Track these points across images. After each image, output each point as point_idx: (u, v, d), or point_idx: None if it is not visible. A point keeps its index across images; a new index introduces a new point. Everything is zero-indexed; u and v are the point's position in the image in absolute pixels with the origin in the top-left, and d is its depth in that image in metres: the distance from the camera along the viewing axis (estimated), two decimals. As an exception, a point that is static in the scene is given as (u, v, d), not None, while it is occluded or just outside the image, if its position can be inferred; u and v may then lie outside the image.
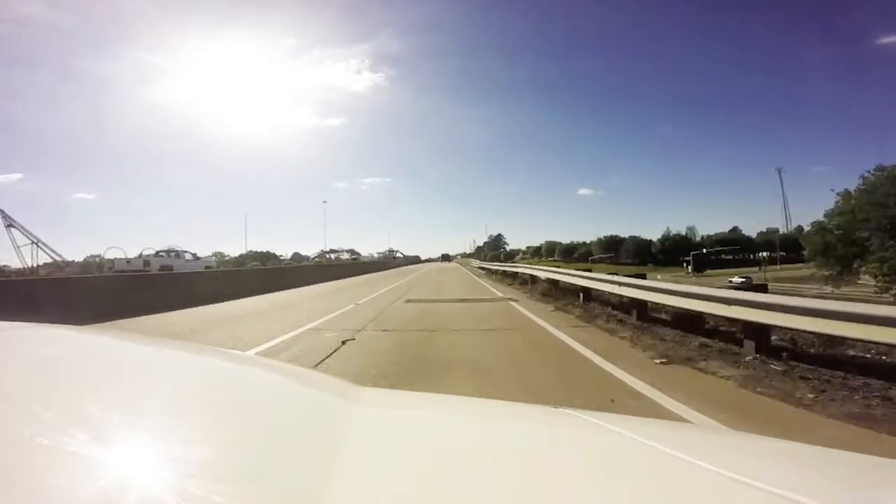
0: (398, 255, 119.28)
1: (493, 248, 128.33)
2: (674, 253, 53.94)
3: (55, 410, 0.49)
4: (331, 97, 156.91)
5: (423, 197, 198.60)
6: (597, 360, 4.51)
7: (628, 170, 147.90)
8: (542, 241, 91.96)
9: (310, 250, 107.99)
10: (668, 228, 58.10)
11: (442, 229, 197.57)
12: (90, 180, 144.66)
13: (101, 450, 0.43)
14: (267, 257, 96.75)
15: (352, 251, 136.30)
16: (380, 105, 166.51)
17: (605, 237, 63.11)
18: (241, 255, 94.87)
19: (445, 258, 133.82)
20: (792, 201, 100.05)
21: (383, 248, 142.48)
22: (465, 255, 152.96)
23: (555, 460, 0.56)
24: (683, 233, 56.40)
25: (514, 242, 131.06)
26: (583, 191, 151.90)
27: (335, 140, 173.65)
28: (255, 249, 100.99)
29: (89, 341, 0.94)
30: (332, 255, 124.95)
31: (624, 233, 69.70)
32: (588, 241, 75.22)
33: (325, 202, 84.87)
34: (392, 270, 35.35)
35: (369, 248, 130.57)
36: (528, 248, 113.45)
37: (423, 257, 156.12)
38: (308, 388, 0.85)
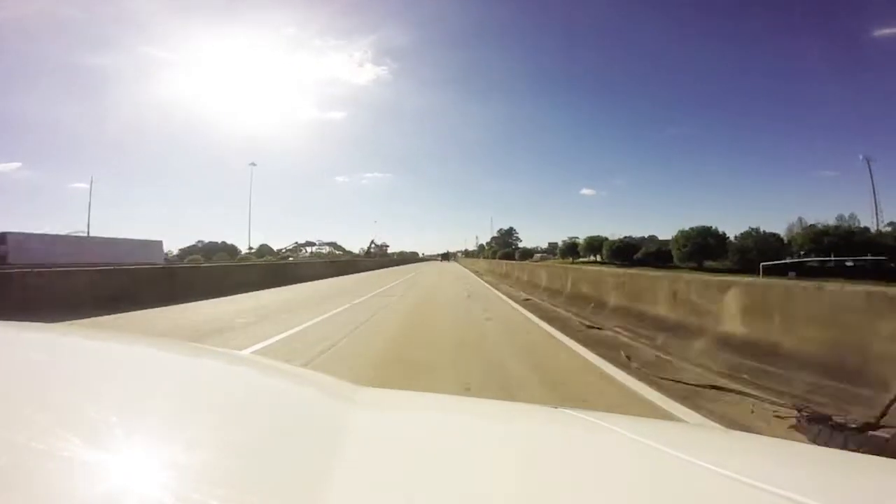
0: (373, 249, 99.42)
1: (503, 245, 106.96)
2: (821, 253, 32.37)
3: (49, 414, 0.48)
4: (332, 90, 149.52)
5: (423, 193, 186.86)
6: None
7: (632, 171, 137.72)
8: (564, 237, 72.04)
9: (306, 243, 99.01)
10: (800, 219, 36.57)
11: (442, 226, 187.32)
12: (89, 170, 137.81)
13: (97, 454, 0.42)
14: (215, 250, 76.60)
15: (333, 244, 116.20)
16: (382, 99, 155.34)
17: (693, 229, 41.40)
18: (188, 248, 78.34)
19: (445, 257, 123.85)
20: (804, 206, 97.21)
21: (377, 242, 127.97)
22: (466, 254, 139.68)
23: (554, 460, 0.56)
24: (830, 223, 34.13)
25: (523, 239, 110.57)
26: (585, 191, 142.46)
27: (336, 134, 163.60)
28: (213, 241, 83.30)
29: (84, 342, 0.94)
30: (310, 249, 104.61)
31: (632, 233, 56.52)
32: (639, 237, 53.92)
33: (253, 164, 61.10)
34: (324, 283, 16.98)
35: (365, 243, 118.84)
36: (550, 244, 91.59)
37: (420, 254, 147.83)
38: (306, 389, 0.85)
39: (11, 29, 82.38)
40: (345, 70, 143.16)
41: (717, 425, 2.32)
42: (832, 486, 0.51)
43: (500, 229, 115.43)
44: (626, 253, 50.16)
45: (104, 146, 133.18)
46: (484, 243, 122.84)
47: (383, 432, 0.63)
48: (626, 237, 54.34)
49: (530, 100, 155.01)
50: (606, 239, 57.33)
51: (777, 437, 1.97)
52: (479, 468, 0.50)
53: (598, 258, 55.74)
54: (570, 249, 64.14)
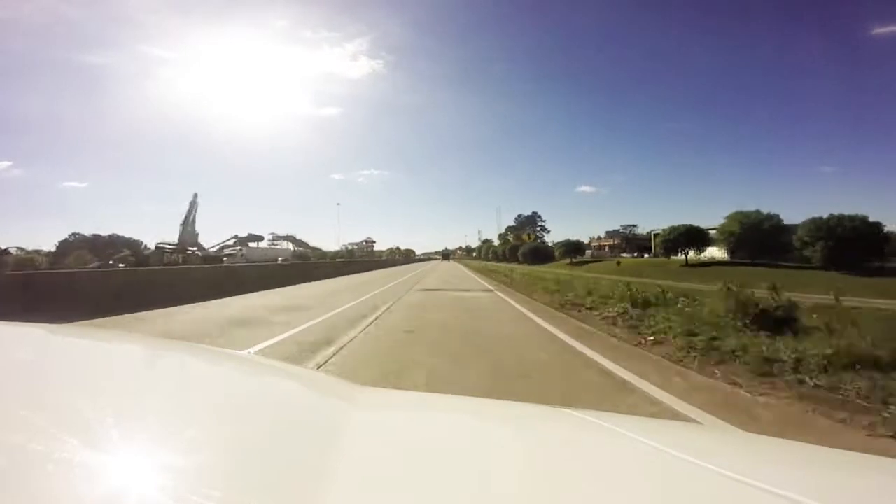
0: (236, 250, 67.01)
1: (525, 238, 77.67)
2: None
3: (48, 414, 0.48)
4: (327, 84, 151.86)
5: (420, 191, 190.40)
6: None
7: (632, 167, 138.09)
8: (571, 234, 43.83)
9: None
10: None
11: (441, 224, 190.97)
12: (81, 169, 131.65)
13: (97, 454, 0.42)
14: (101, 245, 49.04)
15: (292, 238, 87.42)
16: (378, 93, 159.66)
17: None
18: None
19: (445, 256, 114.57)
20: (800, 201, 73.25)
21: (358, 239, 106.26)
22: (470, 253, 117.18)
23: (555, 460, 0.56)
24: None
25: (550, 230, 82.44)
26: (583, 188, 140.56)
27: (331, 130, 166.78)
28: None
29: (84, 342, 0.93)
30: (261, 245, 76.10)
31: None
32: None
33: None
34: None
35: (351, 238, 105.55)
36: (646, 232, 62.11)
37: (419, 253, 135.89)
38: (306, 389, 0.85)
39: (2, 28, 79.93)
40: (340, 64, 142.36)
41: (718, 426, 2.30)
42: (832, 486, 0.51)
43: (519, 215, 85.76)
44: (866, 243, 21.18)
45: (96, 145, 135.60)
46: (495, 237, 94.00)
47: (383, 432, 0.62)
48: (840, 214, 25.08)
49: (529, 97, 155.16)
50: (772, 217, 28.08)
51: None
52: (478, 468, 0.50)
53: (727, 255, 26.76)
54: (694, 235, 33.64)
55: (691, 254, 34.26)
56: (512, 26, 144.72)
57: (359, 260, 54.94)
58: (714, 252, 34.95)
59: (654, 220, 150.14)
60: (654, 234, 49.89)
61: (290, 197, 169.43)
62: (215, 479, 0.40)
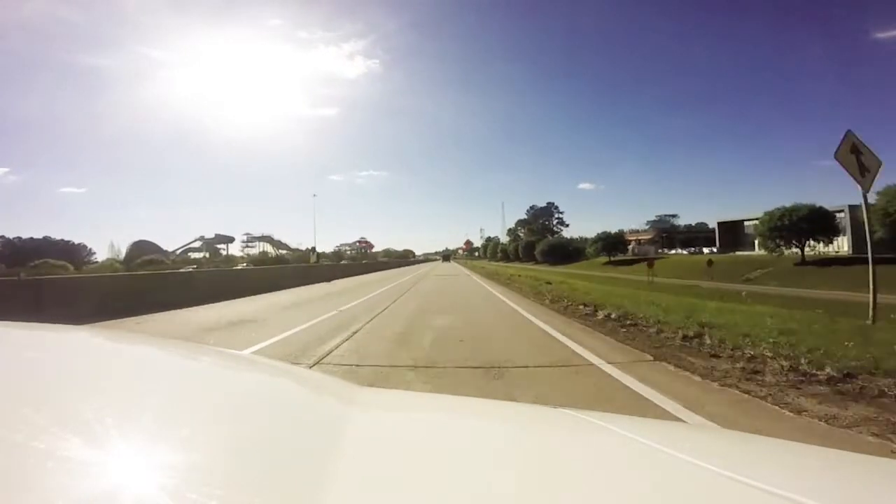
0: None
1: (539, 231, 67.62)
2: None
3: (48, 413, 0.48)
4: (324, 84, 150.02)
5: (420, 191, 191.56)
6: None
7: (632, 165, 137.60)
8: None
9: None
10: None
11: (442, 224, 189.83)
12: (78, 174, 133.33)
13: (96, 453, 0.41)
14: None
15: (269, 239, 77.01)
16: (375, 93, 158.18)
17: None
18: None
19: (446, 258, 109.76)
20: (799, 196, 63.75)
21: (350, 240, 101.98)
22: (472, 253, 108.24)
23: (554, 460, 0.56)
24: None
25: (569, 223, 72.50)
26: (583, 185, 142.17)
27: (329, 132, 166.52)
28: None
29: (84, 341, 0.95)
30: (229, 248, 65.53)
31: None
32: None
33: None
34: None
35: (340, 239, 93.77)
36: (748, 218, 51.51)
37: (420, 254, 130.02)
38: (306, 389, 0.85)
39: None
40: (336, 64, 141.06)
41: (717, 426, 2.36)
42: (832, 486, 0.51)
43: (532, 206, 75.34)
44: None
45: (94, 150, 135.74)
46: (501, 234, 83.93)
47: (383, 433, 0.62)
48: None
49: (529, 96, 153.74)
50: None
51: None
52: (478, 468, 0.50)
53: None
54: (814, 226, 23.09)
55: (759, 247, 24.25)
56: (511, 26, 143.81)
57: (302, 265, 33.58)
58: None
59: (653, 217, 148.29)
60: (720, 223, 39.57)
61: (290, 198, 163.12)
62: (215, 478, 0.40)
